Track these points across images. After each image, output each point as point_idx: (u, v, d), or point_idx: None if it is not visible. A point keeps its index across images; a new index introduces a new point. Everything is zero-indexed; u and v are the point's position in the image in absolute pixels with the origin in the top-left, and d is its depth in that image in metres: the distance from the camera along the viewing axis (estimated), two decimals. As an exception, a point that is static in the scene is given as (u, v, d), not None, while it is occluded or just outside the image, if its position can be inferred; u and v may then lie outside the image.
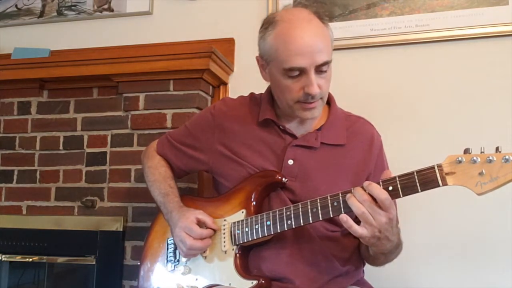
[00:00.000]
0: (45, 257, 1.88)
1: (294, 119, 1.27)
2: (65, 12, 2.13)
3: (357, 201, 1.01)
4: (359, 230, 1.02)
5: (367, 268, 1.34)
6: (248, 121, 1.32)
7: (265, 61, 1.23)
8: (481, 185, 0.93)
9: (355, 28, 1.80)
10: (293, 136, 1.27)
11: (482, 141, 0.99)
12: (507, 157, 0.91)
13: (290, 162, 1.23)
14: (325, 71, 1.16)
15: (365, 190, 1.01)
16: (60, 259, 1.89)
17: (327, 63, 1.15)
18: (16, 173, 1.94)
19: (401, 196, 1.01)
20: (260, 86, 1.37)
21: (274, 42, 1.17)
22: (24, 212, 1.91)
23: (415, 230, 1.63)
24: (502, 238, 1.59)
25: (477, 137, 1.60)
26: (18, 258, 1.92)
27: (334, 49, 1.22)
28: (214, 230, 1.23)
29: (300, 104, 1.18)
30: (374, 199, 1.00)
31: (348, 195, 1.03)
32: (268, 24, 1.20)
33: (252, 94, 1.41)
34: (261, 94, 1.38)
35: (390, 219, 1.01)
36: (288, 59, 1.13)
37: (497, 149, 0.93)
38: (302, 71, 1.14)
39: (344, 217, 1.03)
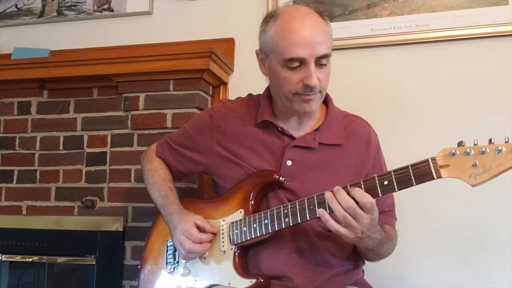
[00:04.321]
0: (45, 257, 1.88)
1: (292, 117, 1.27)
2: (65, 12, 2.13)
3: (339, 205, 1.02)
4: (341, 229, 1.03)
5: (367, 268, 1.34)
6: (246, 122, 1.32)
7: (264, 54, 1.24)
8: (475, 177, 0.94)
9: (355, 28, 1.80)
10: (291, 137, 1.27)
11: (482, 140, 0.98)
12: (499, 148, 0.92)
13: (289, 162, 1.23)
14: (325, 65, 1.17)
15: (348, 193, 1.02)
16: (60, 259, 1.89)
17: (327, 56, 1.16)
18: (16, 173, 1.94)
19: (396, 190, 1.02)
20: (260, 86, 1.37)
21: (275, 33, 1.18)
22: (24, 212, 1.91)
23: (415, 230, 1.63)
24: (501, 236, 1.59)
25: (477, 137, 1.59)
26: (18, 258, 1.92)
27: (334, 49, 1.23)
28: (214, 234, 1.23)
29: (298, 96, 1.18)
30: (357, 202, 1.01)
31: (329, 196, 1.03)
32: (269, 17, 1.23)
33: (250, 95, 1.41)
34: (259, 95, 1.38)
35: (372, 219, 1.03)
36: (288, 50, 1.14)
37: (490, 140, 0.94)
38: (302, 62, 1.15)
39: (321, 211, 1.04)
